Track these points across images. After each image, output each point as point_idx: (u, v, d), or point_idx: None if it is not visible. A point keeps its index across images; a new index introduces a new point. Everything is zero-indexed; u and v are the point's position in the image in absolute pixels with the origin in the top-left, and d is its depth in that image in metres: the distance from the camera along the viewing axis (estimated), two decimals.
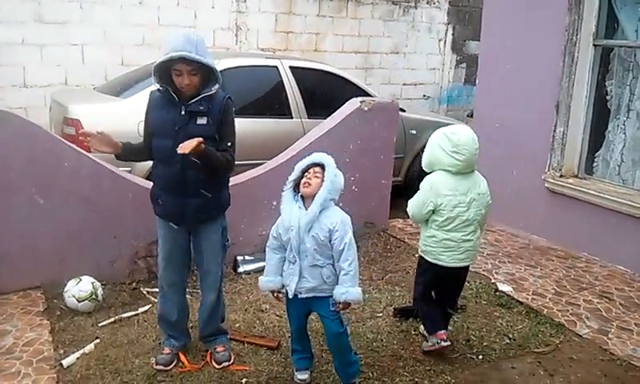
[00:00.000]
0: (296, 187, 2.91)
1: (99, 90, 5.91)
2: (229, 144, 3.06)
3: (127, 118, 5.02)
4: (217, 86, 2.99)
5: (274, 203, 4.78)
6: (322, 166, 2.88)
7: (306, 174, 2.88)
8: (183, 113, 2.96)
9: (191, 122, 2.97)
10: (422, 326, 3.66)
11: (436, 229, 3.32)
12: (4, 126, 3.74)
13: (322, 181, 2.83)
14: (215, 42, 8.40)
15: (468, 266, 3.47)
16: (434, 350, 3.39)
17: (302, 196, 2.88)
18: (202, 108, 2.97)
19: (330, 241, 2.81)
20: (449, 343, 3.38)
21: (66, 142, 4.16)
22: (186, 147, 2.74)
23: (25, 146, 3.80)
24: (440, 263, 3.34)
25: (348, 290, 2.80)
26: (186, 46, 2.82)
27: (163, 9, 8.01)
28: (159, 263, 3.26)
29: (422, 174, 7.14)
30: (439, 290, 3.52)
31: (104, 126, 4.84)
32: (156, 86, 3.03)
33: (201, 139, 2.78)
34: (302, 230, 2.82)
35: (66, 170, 3.95)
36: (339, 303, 2.83)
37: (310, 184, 2.84)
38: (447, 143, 3.24)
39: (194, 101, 2.96)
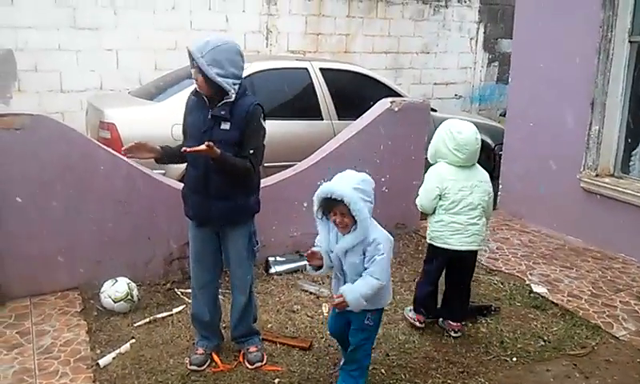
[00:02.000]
0: (324, 211, 2.85)
1: (134, 94, 6.02)
2: (251, 151, 3.06)
3: (161, 121, 5.13)
4: (232, 93, 2.99)
5: (305, 205, 4.80)
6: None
7: (333, 214, 2.78)
8: (209, 117, 3.04)
9: (215, 126, 3.03)
10: (409, 307, 3.81)
11: (443, 213, 3.49)
12: (42, 130, 3.84)
13: (353, 220, 2.72)
14: (246, 45, 8.46)
15: (476, 252, 3.63)
16: (408, 320, 3.75)
17: None
18: (223, 113, 3.02)
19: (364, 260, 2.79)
20: (422, 327, 3.69)
21: (102, 145, 4.25)
22: (193, 149, 2.85)
23: (62, 149, 3.90)
24: (449, 247, 3.49)
25: (352, 289, 2.72)
26: (199, 46, 2.93)
27: (195, 13, 8.12)
28: (190, 264, 3.32)
29: None
30: (450, 274, 3.71)
31: (139, 130, 5.02)
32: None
33: (211, 144, 2.83)
34: (340, 254, 2.83)
35: (101, 173, 4.04)
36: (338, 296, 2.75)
37: (343, 226, 2.78)
38: (451, 141, 3.43)
39: (217, 106, 3.02)
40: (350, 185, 2.73)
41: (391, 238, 2.87)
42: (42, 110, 6.95)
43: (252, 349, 3.32)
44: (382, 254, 2.75)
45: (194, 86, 3.12)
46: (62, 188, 3.93)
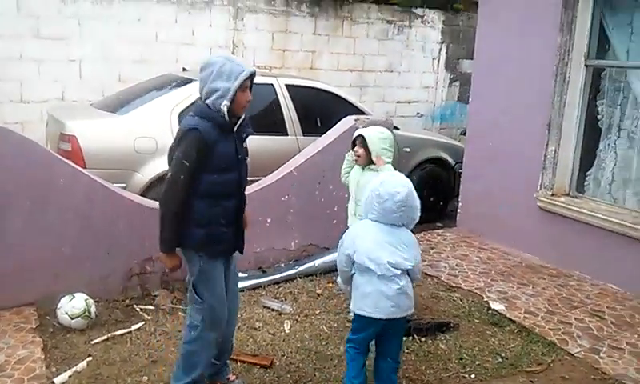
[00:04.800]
0: None
1: (96, 106, 5.92)
2: None
3: (124, 133, 5.09)
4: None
5: (269, 220, 4.81)
6: None
7: None
8: (238, 140, 2.91)
9: (242, 148, 2.95)
10: None
11: None
12: (1, 142, 3.76)
13: None
14: None
15: None
16: None
17: None
18: (250, 129, 2.98)
19: None
20: None
21: (62, 158, 4.18)
22: None
23: (21, 161, 3.82)
24: None
25: None
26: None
27: (161, 25, 8.06)
28: (212, 307, 2.92)
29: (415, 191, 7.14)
30: None
31: (101, 142, 4.96)
32: (216, 114, 2.75)
33: None
34: None
35: (60, 186, 3.97)
36: None
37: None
38: None
39: (242, 123, 2.90)
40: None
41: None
42: (0, 120, 6.79)
43: (231, 377, 3.23)
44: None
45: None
46: (20, 201, 3.84)
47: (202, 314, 2.92)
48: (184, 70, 6.61)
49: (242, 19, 8.65)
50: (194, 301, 2.94)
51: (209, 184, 2.79)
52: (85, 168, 4.54)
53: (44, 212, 3.92)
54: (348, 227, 3.95)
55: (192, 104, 3.24)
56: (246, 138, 2.98)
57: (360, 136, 3.88)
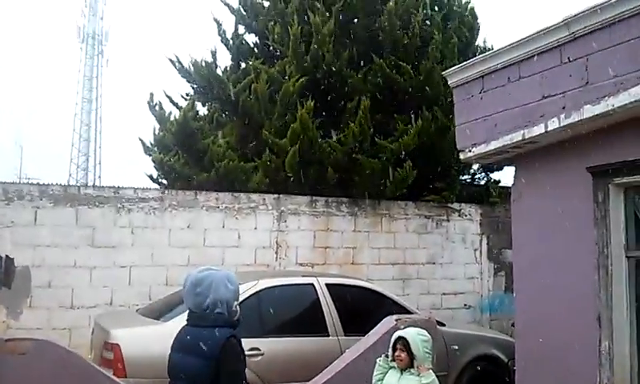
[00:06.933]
0: None
1: (141, 313, 6.08)
2: None
3: (166, 342, 5.10)
4: None
5: None
6: None
7: None
8: None
9: None
10: None
11: None
12: (46, 357, 3.89)
13: None
14: (256, 259, 8.75)
15: None
16: None
17: None
18: None
19: None
20: None
21: (102, 370, 4.23)
22: None
23: (64, 376, 3.89)
24: None
25: None
26: None
27: (209, 231, 8.51)
28: None
29: None
30: None
31: (143, 351, 4.98)
32: (231, 318, 3.20)
33: None
34: None
35: None
36: None
37: None
38: None
39: None
40: None
41: None
42: (50, 326, 7.02)
43: None
44: None
45: None
46: None
47: None
48: None
49: (285, 221, 9.06)
50: None
51: None
52: (125, 377, 4.56)
53: None
54: None
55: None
56: None
57: (402, 338, 3.84)
